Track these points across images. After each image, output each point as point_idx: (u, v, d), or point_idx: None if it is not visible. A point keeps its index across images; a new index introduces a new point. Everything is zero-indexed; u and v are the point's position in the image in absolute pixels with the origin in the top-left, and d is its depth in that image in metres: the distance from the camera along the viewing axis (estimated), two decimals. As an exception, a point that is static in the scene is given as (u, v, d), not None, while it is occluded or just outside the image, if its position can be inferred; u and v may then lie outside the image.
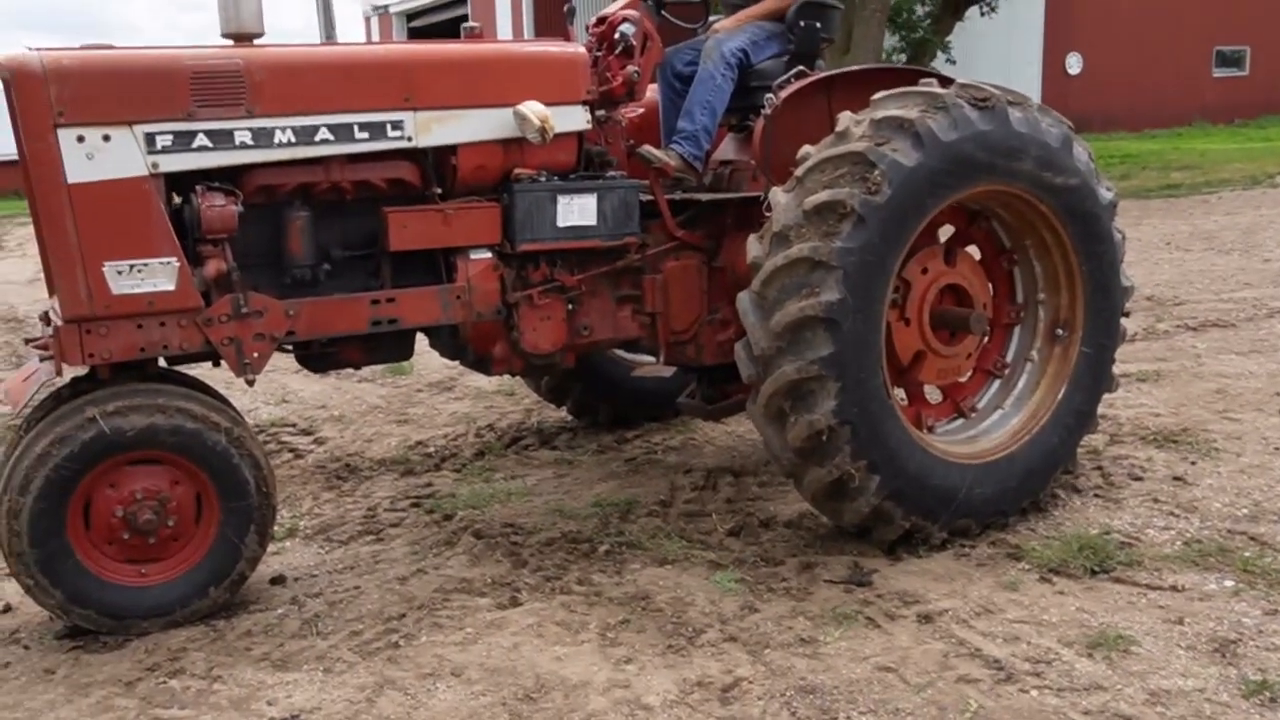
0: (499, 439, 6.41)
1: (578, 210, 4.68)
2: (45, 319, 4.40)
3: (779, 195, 4.47)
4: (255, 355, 4.27)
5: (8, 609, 4.40)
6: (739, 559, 4.55)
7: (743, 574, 4.40)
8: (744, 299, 4.44)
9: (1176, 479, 5.12)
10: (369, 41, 36.21)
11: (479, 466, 5.96)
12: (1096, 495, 5.00)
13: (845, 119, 4.53)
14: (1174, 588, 4.10)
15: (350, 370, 7.97)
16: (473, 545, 4.81)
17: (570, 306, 4.83)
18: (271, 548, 4.89)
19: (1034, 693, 3.46)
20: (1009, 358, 5.11)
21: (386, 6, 33.60)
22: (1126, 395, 6.29)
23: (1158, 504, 4.86)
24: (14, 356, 9.45)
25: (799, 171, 4.45)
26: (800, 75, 5.09)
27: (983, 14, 21.64)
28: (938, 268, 4.84)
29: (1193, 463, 5.28)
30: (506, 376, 7.32)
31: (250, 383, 4.40)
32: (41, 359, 4.31)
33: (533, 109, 4.45)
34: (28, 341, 4.64)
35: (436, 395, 7.50)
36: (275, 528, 5.08)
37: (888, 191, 4.27)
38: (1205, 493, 4.95)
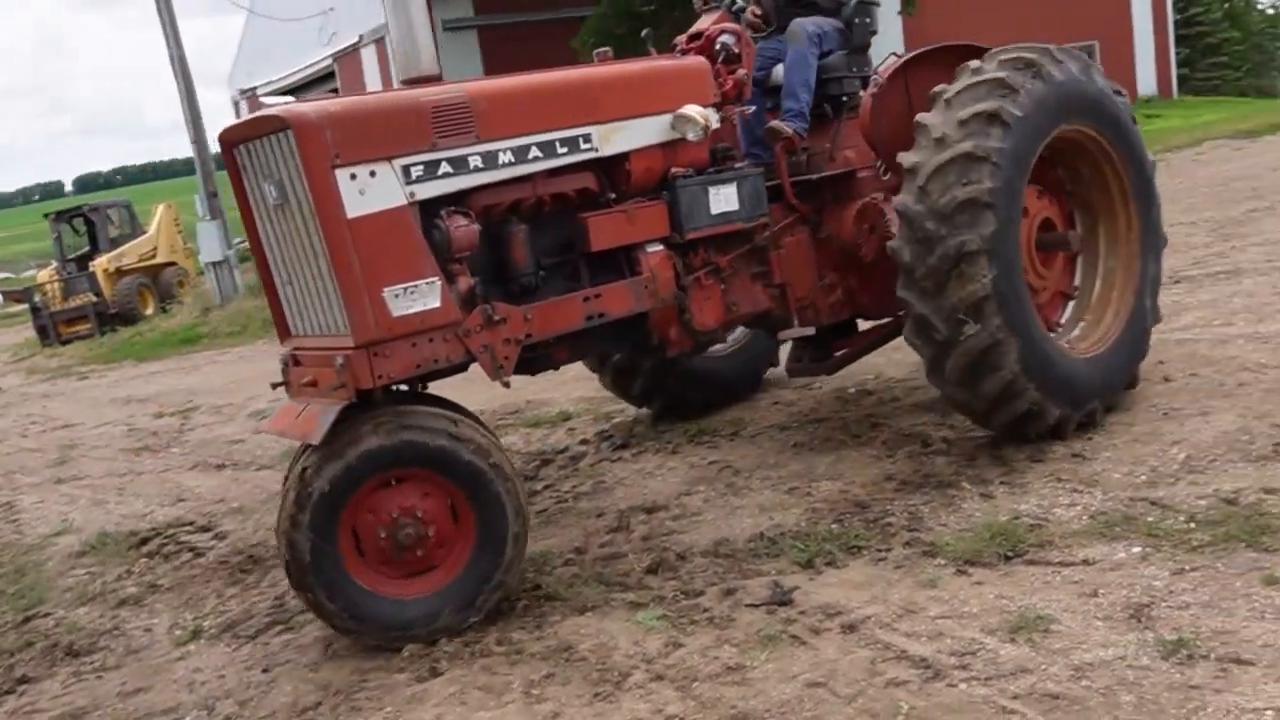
0: (406, 509, 6.27)
1: (724, 199, 5.31)
2: (294, 361, 4.66)
3: (928, 117, 5.23)
4: (505, 359, 4.65)
5: None
6: (659, 596, 4.49)
7: (664, 610, 4.34)
8: (903, 198, 5.15)
9: (1075, 456, 5.19)
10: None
11: (388, 539, 5.81)
12: (1002, 482, 5.04)
13: (972, 64, 5.36)
14: (1085, 561, 4.14)
15: (247, 461, 7.89)
16: (388, 620, 4.68)
17: (722, 286, 5.44)
18: (175, 652, 4.74)
19: (963, 685, 3.46)
20: (1078, 281, 5.93)
21: (254, 89, 33.26)
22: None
23: (1061, 482, 4.92)
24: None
25: (947, 95, 5.25)
26: (895, 57, 5.87)
27: None
28: (1035, 204, 5.58)
29: (1089, 439, 5.36)
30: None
31: (506, 385, 4.77)
32: (303, 398, 4.54)
33: (696, 110, 5.08)
34: (274, 385, 4.85)
35: (339, 473, 7.33)
36: (179, 631, 4.97)
37: (1028, 105, 5.15)
38: (1104, 465, 5.03)
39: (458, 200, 4.58)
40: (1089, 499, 4.69)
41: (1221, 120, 24.80)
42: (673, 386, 6.80)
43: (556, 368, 5.43)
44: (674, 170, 5.18)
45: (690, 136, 5.10)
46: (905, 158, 5.23)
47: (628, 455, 6.55)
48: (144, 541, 6.40)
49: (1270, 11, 60.62)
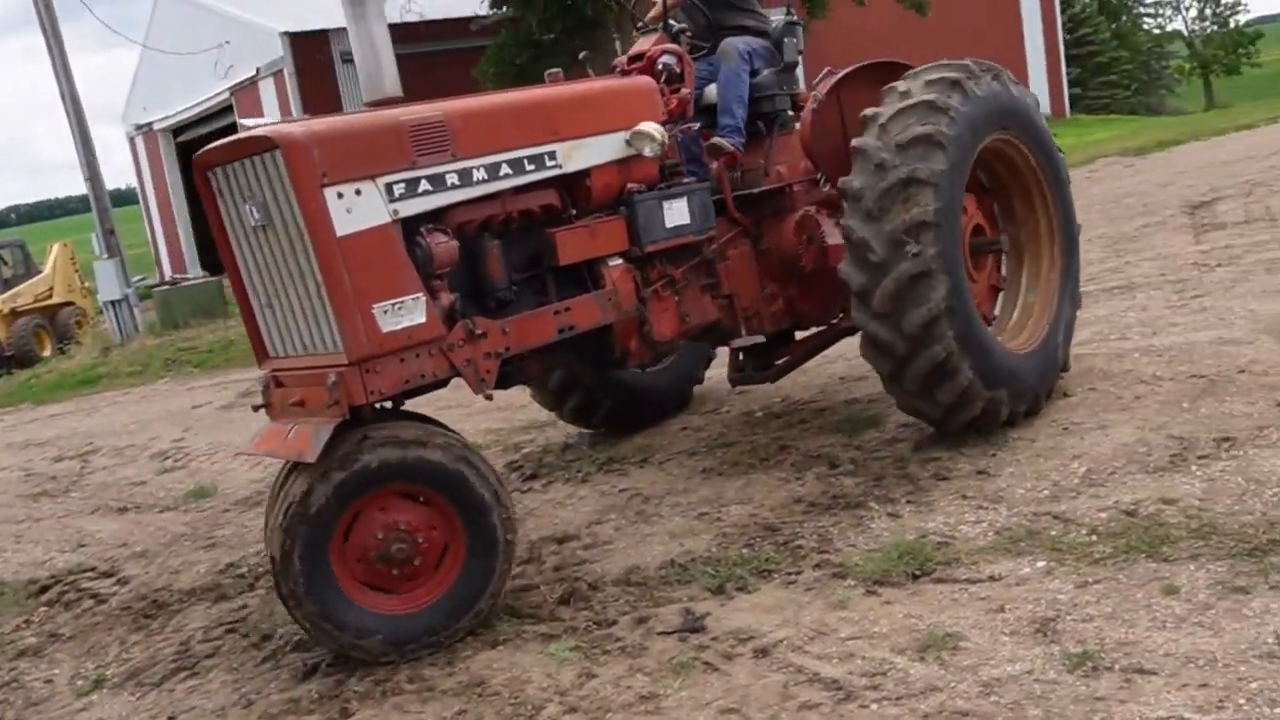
0: (315, 547, 6.15)
1: (677, 212, 5.46)
2: (275, 382, 4.69)
3: (898, 83, 5.59)
4: (487, 373, 4.74)
5: None
6: (571, 626, 4.46)
7: (577, 641, 4.31)
8: (864, 139, 5.42)
9: (980, 473, 5.27)
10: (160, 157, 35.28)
11: (296, 579, 5.69)
12: (909, 501, 5.10)
13: (935, 63, 5.73)
14: (991, 577, 4.21)
15: (149, 503, 7.69)
16: (295, 662, 4.58)
17: (677, 298, 5.60)
18: (77, 703, 4.60)
19: (874, 706, 3.48)
20: (997, 312, 6.19)
21: (150, 124, 32.67)
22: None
23: (966, 499, 4.99)
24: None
25: (913, 73, 5.67)
26: (830, 73, 6.15)
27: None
28: (973, 209, 5.88)
29: (993, 455, 5.44)
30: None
31: (489, 398, 4.88)
32: (288, 418, 4.56)
33: (653, 127, 5.25)
34: (255, 408, 4.84)
35: (245, 513, 7.17)
36: (81, 682, 4.82)
37: (986, 92, 5.58)
38: (1008, 481, 5.11)
39: (435, 218, 4.65)
40: (994, 515, 4.77)
41: (1113, 138, 25.54)
42: (588, 383, 6.81)
43: (527, 381, 5.58)
44: (630, 186, 5.34)
45: (647, 152, 5.27)
46: (870, 110, 5.52)
47: (537, 485, 6.51)
48: (43, 590, 6.19)
49: (1156, 31, 62.74)
